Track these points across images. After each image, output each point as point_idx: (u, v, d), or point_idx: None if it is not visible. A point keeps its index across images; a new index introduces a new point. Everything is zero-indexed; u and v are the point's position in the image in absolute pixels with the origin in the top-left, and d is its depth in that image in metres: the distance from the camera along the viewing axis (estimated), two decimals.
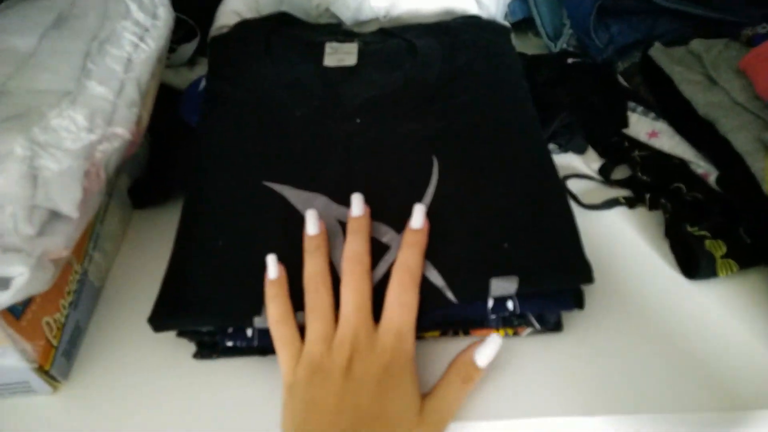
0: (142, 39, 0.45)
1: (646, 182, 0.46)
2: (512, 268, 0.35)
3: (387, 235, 0.38)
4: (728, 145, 0.43)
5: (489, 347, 0.33)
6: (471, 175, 0.41)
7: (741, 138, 0.43)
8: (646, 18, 0.56)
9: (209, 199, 0.41)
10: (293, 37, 0.52)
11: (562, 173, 0.48)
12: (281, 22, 0.54)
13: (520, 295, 0.35)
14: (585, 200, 0.46)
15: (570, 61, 0.56)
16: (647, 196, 0.45)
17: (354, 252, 0.35)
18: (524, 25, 0.63)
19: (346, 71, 0.50)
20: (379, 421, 0.29)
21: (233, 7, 0.59)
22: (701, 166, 0.45)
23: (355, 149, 0.43)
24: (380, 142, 0.44)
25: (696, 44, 0.52)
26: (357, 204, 0.37)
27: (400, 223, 0.38)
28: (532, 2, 0.58)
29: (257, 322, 0.34)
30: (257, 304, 0.34)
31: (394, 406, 0.30)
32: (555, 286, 0.35)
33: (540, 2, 0.59)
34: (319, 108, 0.47)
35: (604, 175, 0.48)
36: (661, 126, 0.49)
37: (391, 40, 0.53)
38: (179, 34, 0.59)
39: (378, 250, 0.37)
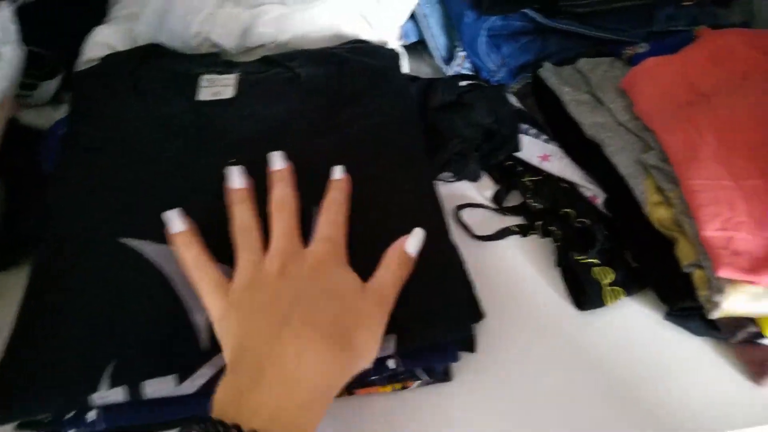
0: None
1: (537, 209, 0.45)
2: (389, 324, 0.32)
3: None
4: (613, 167, 0.43)
5: (416, 237, 0.35)
6: (351, 220, 0.38)
7: (623, 160, 0.43)
8: (536, 39, 0.55)
9: (58, 261, 0.36)
10: (165, 70, 0.48)
11: (455, 202, 0.47)
12: (153, 54, 0.50)
13: (401, 353, 0.33)
14: (479, 230, 0.45)
15: (464, 84, 0.55)
16: (539, 223, 0.44)
17: (279, 197, 0.35)
18: (420, 46, 0.61)
19: (223, 105, 0.46)
20: (324, 294, 0.30)
21: (103, 39, 0.54)
22: (590, 189, 0.45)
23: None
24: (257, 184, 0.41)
25: (582, 63, 0.52)
26: (277, 160, 0.38)
27: None
28: (424, 24, 0.57)
29: (96, 398, 0.30)
30: (95, 379, 0.30)
31: (334, 282, 0.31)
32: (438, 338, 0.33)
33: (432, 24, 0.57)
34: (190, 147, 0.43)
35: (498, 202, 0.47)
36: (552, 148, 0.48)
37: (275, 69, 0.50)
38: (44, 69, 0.54)
39: None
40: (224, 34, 0.55)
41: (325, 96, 0.46)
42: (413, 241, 0.34)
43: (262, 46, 0.57)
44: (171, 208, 0.38)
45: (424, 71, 0.60)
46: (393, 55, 0.51)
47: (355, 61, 0.49)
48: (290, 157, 0.42)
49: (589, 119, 0.47)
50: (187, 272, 0.32)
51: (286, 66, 0.50)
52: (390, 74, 0.50)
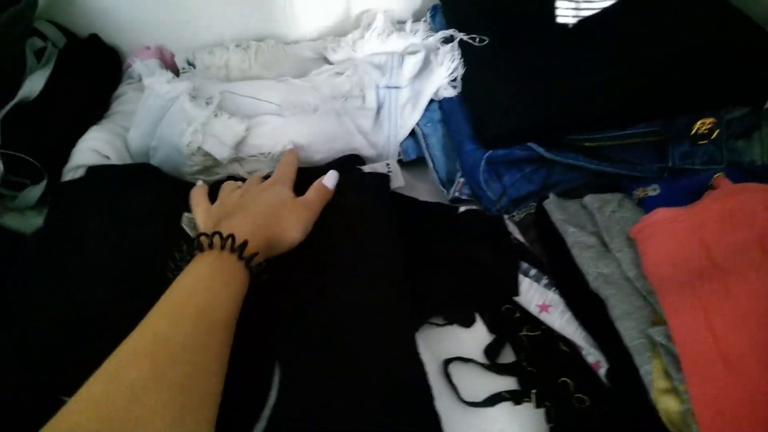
0: None
1: (533, 374, 0.40)
2: None
3: None
4: (617, 333, 0.39)
5: (332, 176, 0.48)
6: (318, 385, 0.35)
7: (629, 328, 0.39)
8: (540, 168, 0.53)
9: None
10: (147, 202, 0.46)
11: (444, 351, 0.43)
12: (138, 177, 0.48)
13: None
14: (468, 388, 0.41)
15: (462, 209, 0.52)
16: (533, 392, 0.40)
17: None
18: (422, 162, 0.58)
19: None
20: (265, 194, 0.44)
21: (92, 144, 0.53)
22: (592, 353, 0.41)
23: None
24: None
25: (589, 200, 0.49)
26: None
27: None
28: (424, 144, 0.55)
29: None
30: None
31: (274, 192, 0.44)
32: None
33: (432, 144, 0.55)
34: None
35: (491, 357, 0.43)
36: (553, 297, 0.44)
37: None
38: (30, 174, 0.52)
39: None
40: (217, 145, 0.53)
41: None
42: (331, 179, 0.48)
43: (253, 156, 0.56)
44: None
45: (427, 189, 0.57)
46: (380, 181, 0.49)
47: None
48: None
49: (593, 268, 0.44)
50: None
51: None
52: (375, 202, 0.47)
